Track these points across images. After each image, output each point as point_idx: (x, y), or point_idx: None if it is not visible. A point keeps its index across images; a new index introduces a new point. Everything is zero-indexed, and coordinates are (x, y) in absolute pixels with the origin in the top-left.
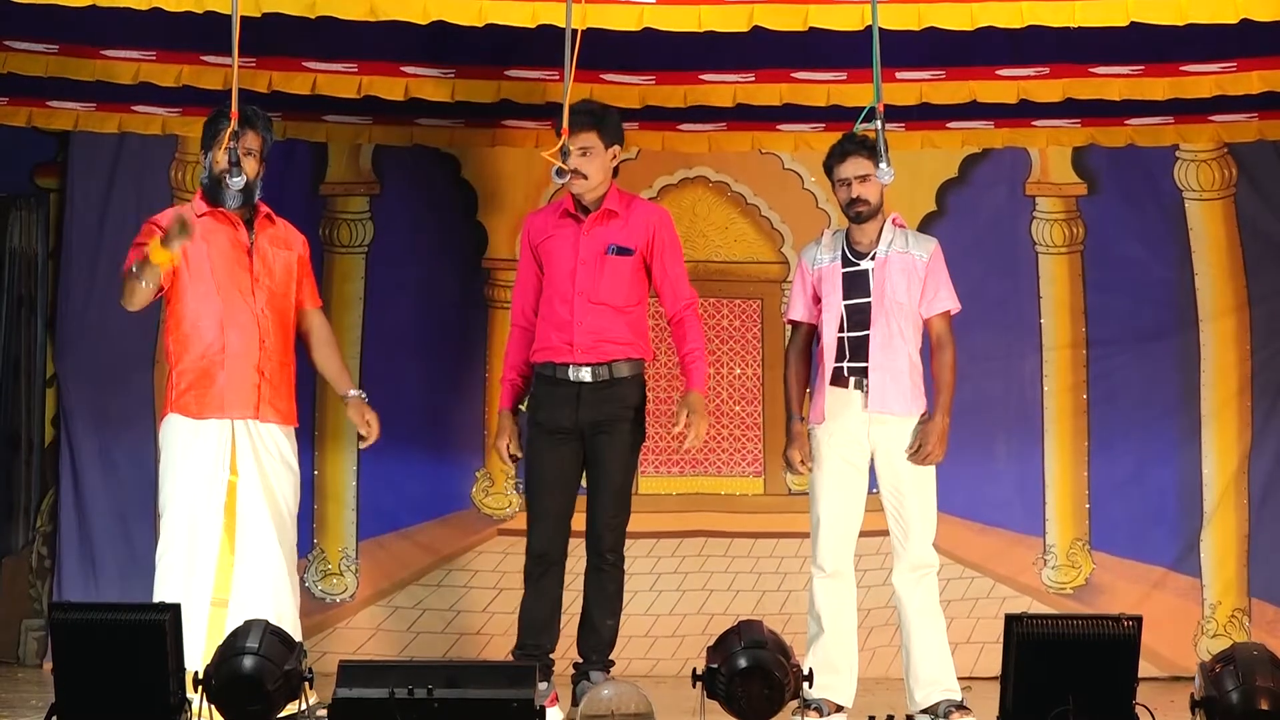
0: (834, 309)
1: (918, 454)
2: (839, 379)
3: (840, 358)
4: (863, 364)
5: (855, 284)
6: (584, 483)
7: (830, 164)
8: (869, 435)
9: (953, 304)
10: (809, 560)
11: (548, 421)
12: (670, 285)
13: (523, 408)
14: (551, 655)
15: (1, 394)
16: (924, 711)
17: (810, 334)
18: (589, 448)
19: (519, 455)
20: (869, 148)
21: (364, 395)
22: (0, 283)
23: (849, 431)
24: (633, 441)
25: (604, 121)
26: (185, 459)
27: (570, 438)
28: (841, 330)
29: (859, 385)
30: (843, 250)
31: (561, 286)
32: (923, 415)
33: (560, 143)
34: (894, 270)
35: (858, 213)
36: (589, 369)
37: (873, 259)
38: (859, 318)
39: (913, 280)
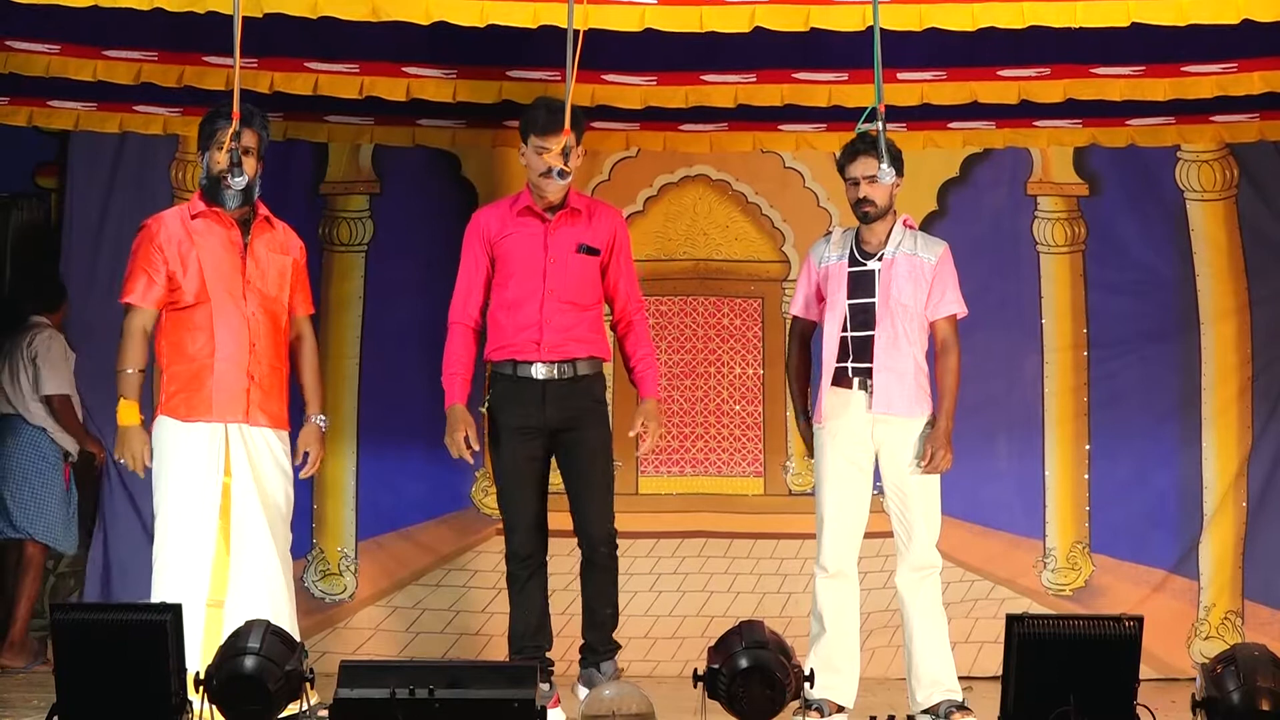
0: (838, 308)
1: (930, 464)
2: (842, 379)
3: (844, 357)
4: (867, 364)
5: (861, 284)
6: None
7: (841, 163)
8: (873, 435)
9: (959, 308)
10: (810, 561)
11: (513, 421)
12: (625, 287)
13: (483, 410)
14: (550, 655)
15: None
16: (925, 712)
17: (809, 330)
18: (561, 447)
19: (477, 447)
20: (879, 148)
21: (325, 424)
22: (2, 282)
23: (853, 432)
24: (604, 434)
25: (578, 120)
26: (177, 461)
27: (537, 436)
28: (845, 330)
29: (863, 385)
30: (851, 249)
31: (529, 284)
32: (928, 421)
33: (561, 143)
34: (900, 272)
35: (864, 213)
36: (555, 367)
37: (880, 260)
38: (863, 318)
39: (919, 283)
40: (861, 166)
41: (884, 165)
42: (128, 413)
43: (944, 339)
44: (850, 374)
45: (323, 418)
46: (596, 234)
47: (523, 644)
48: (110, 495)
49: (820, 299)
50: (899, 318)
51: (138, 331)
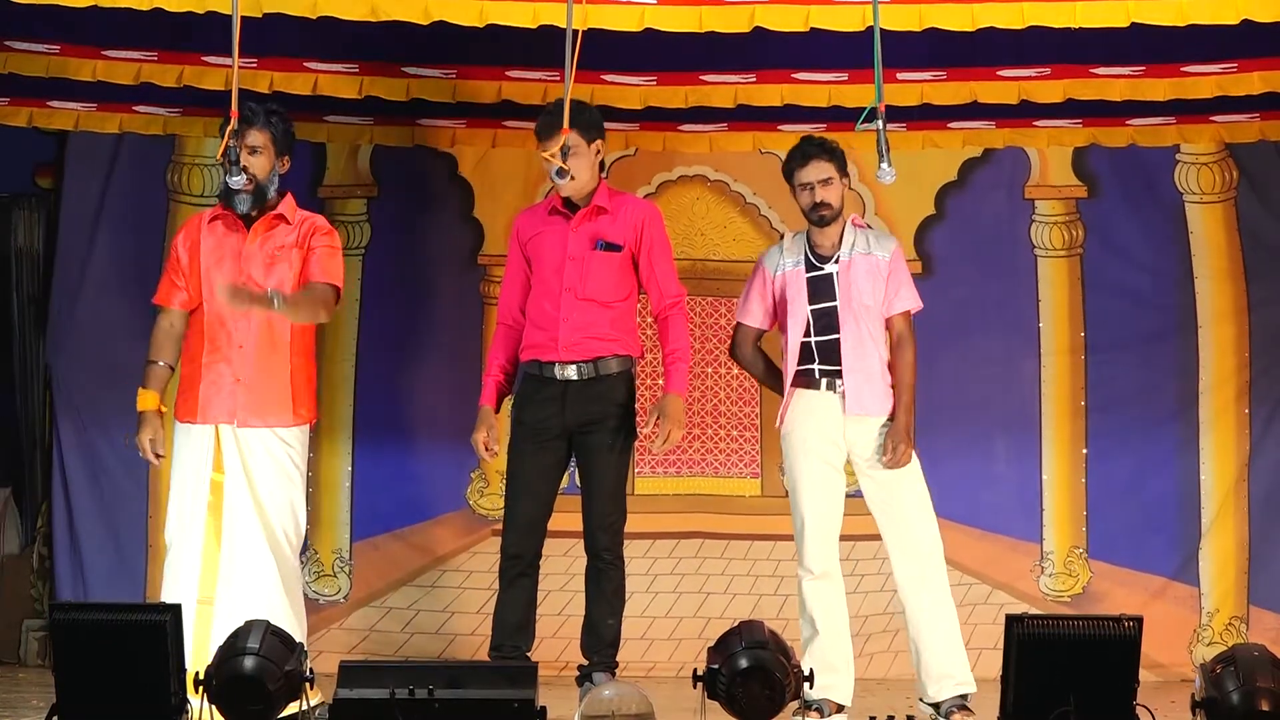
0: (800, 314)
1: (892, 459)
2: (809, 382)
3: (808, 361)
4: (835, 367)
5: (820, 288)
6: (576, 481)
7: (791, 168)
8: (845, 436)
9: (914, 303)
10: None
11: (532, 421)
12: (657, 282)
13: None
14: (529, 655)
15: (13, 394)
16: (931, 704)
17: (759, 337)
18: (577, 448)
19: (495, 451)
20: (829, 150)
21: (279, 300)
22: (9, 283)
23: (825, 433)
24: (622, 441)
25: (589, 116)
26: (176, 461)
27: (555, 438)
28: (808, 335)
29: (830, 387)
30: (805, 254)
31: (549, 283)
32: (888, 416)
33: (561, 142)
34: (859, 273)
35: (821, 216)
36: (574, 366)
37: (836, 262)
38: (826, 321)
39: (877, 282)
40: (815, 170)
41: (884, 165)
42: (144, 399)
43: (900, 334)
44: (818, 375)
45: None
46: (619, 230)
47: (500, 642)
48: (78, 496)
49: (775, 308)
50: (862, 318)
51: (161, 328)
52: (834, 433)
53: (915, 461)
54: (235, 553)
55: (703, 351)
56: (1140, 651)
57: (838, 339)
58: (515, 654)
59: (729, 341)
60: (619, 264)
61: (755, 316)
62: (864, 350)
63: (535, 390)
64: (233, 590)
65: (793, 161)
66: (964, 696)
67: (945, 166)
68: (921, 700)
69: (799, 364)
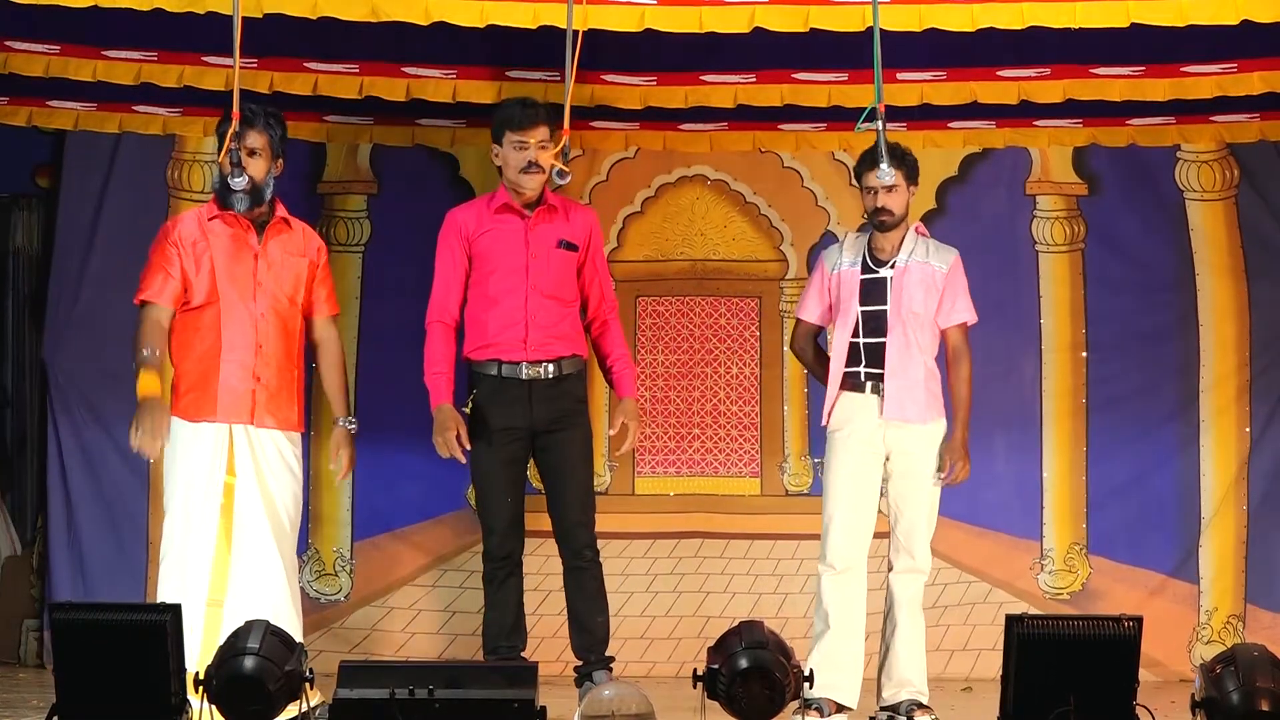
0: (850, 314)
1: (949, 476)
2: (854, 383)
3: (855, 362)
4: (879, 370)
5: (873, 291)
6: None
7: (861, 170)
8: (884, 440)
9: (970, 316)
10: (807, 561)
11: (498, 422)
12: (599, 286)
13: (466, 409)
14: (524, 655)
15: (20, 393)
16: (886, 709)
17: (816, 334)
18: (544, 447)
19: (468, 445)
20: (898, 157)
21: (353, 426)
22: (7, 282)
23: (866, 435)
24: (586, 435)
25: (558, 116)
26: (184, 461)
27: (520, 437)
28: (856, 335)
29: (875, 390)
30: (864, 256)
31: (511, 281)
32: (945, 434)
33: (561, 143)
34: (913, 280)
35: (881, 221)
36: (542, 366)
37: (892, 267)
38: (875, 324)
39: (930, 291)
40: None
41: (884, 165)
42: (147, 382)
43: (956, 347)
44: (863, 378)
45: (351, 420)
46: (575, 230)
47: (497, 644)
48: (77, 493)
49: (831, 306)
50: (910, 325)
51: (155, 320)
52: (874, 435)
53: (936, 491)
54: (245, 554)
55: (702, 351)
56: (1140, 652)
57: (884, 343)
58: (512, 655)
59: (729, 341)
60: (573, 265)
61: (812, 313)
62: (908, 356)
63: (497, 391)
64: (242, 592)
65: (862, 164)
66: (915, 702)
67: (946, 161)
68: (880, 705)
69: (846, 365)
